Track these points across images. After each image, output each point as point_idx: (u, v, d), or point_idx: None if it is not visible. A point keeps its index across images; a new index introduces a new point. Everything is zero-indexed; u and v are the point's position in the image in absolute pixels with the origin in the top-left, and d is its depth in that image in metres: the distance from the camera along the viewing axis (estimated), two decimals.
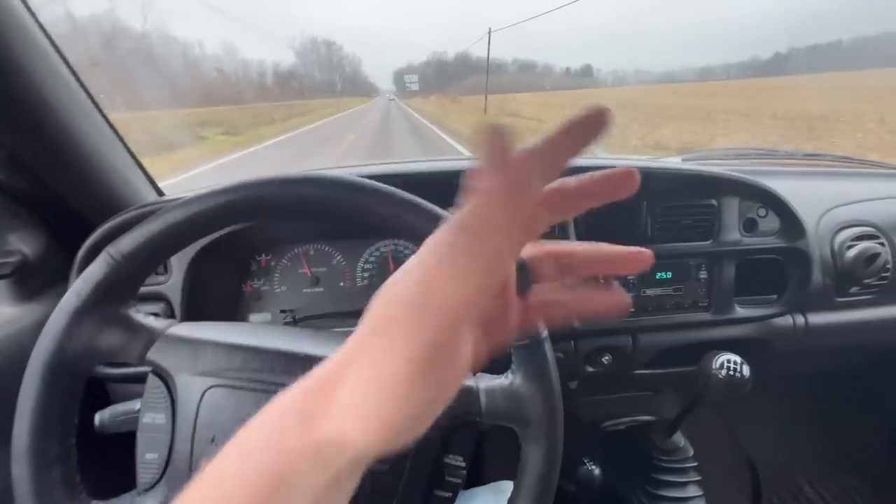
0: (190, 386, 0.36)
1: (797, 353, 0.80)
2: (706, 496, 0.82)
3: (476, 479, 0.64)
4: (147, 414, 0.38)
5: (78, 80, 0.61)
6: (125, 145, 0.69)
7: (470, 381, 0.36)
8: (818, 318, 0.77)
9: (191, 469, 0.35)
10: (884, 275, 0.75)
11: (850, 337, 0.79)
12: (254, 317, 0.70)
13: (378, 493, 0.36)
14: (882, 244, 0.75)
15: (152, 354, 0.35)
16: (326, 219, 0.49)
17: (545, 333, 0.33)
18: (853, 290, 0.76)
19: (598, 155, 1.02)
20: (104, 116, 0.65)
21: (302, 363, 0.36)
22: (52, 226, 0.64)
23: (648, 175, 0.68)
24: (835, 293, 0.76)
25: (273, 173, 0.33)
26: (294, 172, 0.33)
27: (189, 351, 0.36)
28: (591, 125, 0.19)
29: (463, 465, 0.38)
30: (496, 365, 0.66)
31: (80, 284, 0.31)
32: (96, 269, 0.31)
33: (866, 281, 0.74)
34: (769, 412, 1.22)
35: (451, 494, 0.38)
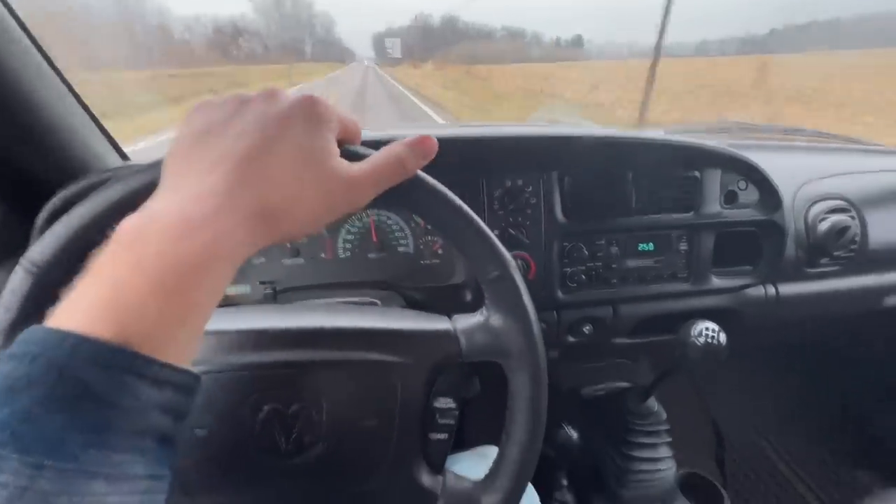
0: None
1: (767, 323, 0.83)
2: (675, 457, 0.86)
3: (460, 445, 0.65)
4: None
5: (26, 32, 0.55)
6: (82, 104, 0.64)
7: (446, 324, 0.37)
8: (789, 289, 0.80)
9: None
10: (852, 247, 0.78)
11: (818, 307, 0.83)
12: (232, 289, 0.68)
13: (371, 449, 0.36)
14: (852, 217, 0.78)
15: None
16: None
17: (512, 263, 0.34)
18: (823, 261, 0.79)
19: (585, 126, 1.01)
20: (57, 72, 0.60)
21: (281, 336, 0.35)
22: (6, 194, 0.59)
23: (634, 145, 0.67)
24: (805, 264, 0.79)
25: None
26: None
27: None
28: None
29: (454, 405, 0.39)
30: (472, 303, 0.66)
31: (7, 298, 0.29)
32: (17, 282, 0.29)
33: (836, 253, 0.77)
34: (736, 379, 1.28)
35: (446, 435, 0.39)
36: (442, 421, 0.39)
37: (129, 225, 0.22)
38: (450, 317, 0.38)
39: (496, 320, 0.35)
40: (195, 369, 0.33)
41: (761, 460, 1.19)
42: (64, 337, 0.18)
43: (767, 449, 1.21)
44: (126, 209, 0.29)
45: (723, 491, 0.87)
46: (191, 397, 0.22)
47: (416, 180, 0.31)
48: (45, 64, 0.58)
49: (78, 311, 0.20)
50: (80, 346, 0.18)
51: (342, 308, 0.45)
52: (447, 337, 0.36)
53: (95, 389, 0.18)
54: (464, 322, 0.37)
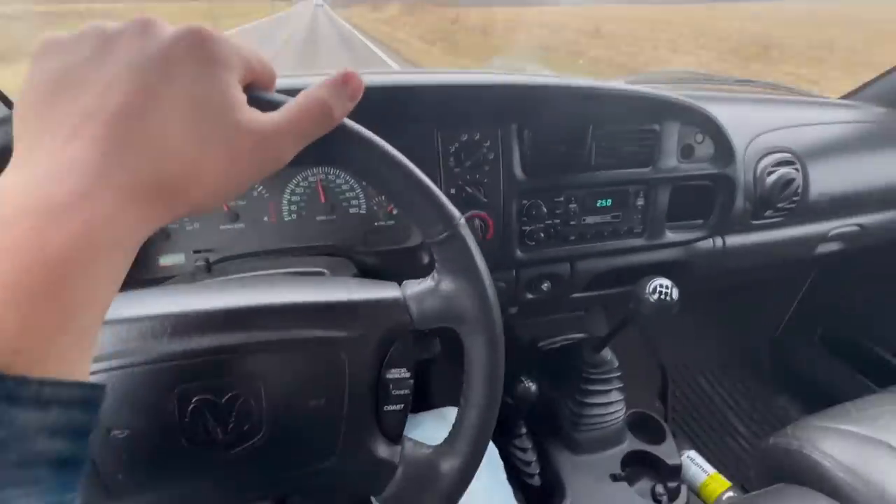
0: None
1: (713, 272, 0.87)
2: (625, 400, 0.92)
3: (422, 406, 0.65)
4: None
5: None
6: None
7: (395, 292, 0.34)
8: (734, 240, 0.83)
9: (95, 465, 0.30)
10: (794, 199, 0.81)
11: (759, 256, 0.87)
12: (164, 259, 0.61)
13: (321, 429, 0.34)
14: (797, 170, 0.81)
15: None
16: None
17: (462, 220, 0.31)
18: (767, 213, 0.82)
19: (546, 75, 0.96)
20: None
21: (206, 319, 0.31)
22: None
23: (596, 94, 0.64)
24: (752, 216, 0.82)
25: None
26: None
27: None
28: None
29: (408, 375, 0.37)
30: (428, 266, 0.64)
31: None
32: None
33: (780, 205, 0.80)
34: (679, 322, 1.37)
35: (402, 406, 0.37)
36: (396, 392, 0.37)
37: None
38: (400, 283, 0.36)
39: (447, 284, 0.32)
40: (103, 366, 0.29)
41: (700, 396, 1.31)
42: None
43: (704, 384, 1.33)
44: None
45: (665, 425, 0.94)
46: (91, 411, 0.18)
47: (345, 130, 0.26)
48: None
49: None
50: None
51: (279, 281, 0.41)
52: (396, 305, 0.34)
53: None
54: (413, 288, 0.34)
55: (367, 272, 0.62)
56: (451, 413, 0.62)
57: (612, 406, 0.90)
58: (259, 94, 0.24)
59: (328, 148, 0.26)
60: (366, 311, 0.34)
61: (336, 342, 0.33)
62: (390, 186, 0.29)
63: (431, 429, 0.60)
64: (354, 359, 0.33)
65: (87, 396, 0.18)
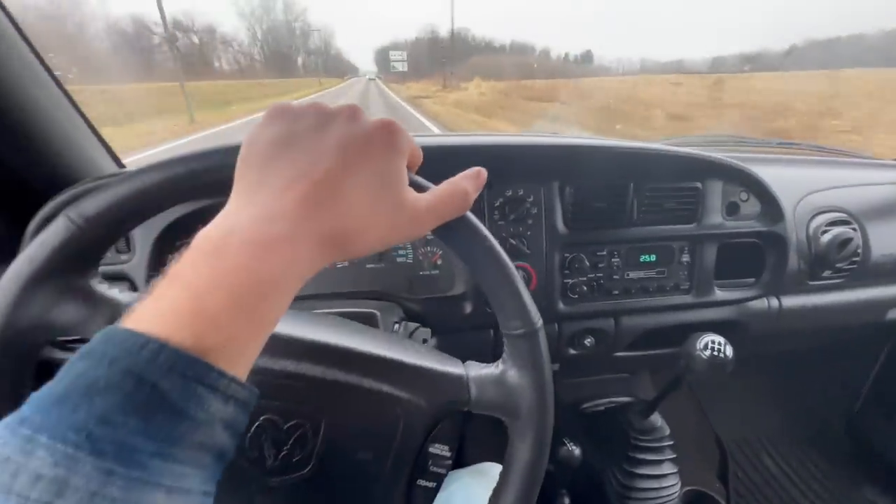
0: None
1: (770, 335, 0.83)
2: (679, 473, 0.84)
3: (459, 460, 0.63)
4: None
5: (24, 39, 0.55)
6: (80, 112, 0.64)
7: (459, 369, 0.35)
8: (792, 301, 0.79)
9: None
10: (854, 259, 0.78)
11: (820, 319, 0.82)
12: None
13: (360, 481, 0.35)
14: (854, 229, 0.78)
15: None
16: None
17: (540, 323, 0.32)
18: (826, 273, 0.78)
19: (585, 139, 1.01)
20: (55, 80, 0.59)
21: (292, 345, 0.33)
22: (1, 199, 0.58)
23: (636, 155, 0.67)
24: (808, 277, 0.78)
25: None
26: None
27: None
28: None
29: (448, 454, 0.37)
30: (471, 316, 0.63)
31: (35, 248, 0.27)
32: (54, 234, 0.27)
33: (838, 265, 0.77)
34: (736, 390, 1.27)
35: (434, 484, 0.37)
36: (433, 468, 0.37)
37: (207, 235, 0.22)
38: (464, 360, 0.37)
39: (512, 377, 0.33)
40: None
41: (765, 475, 1.17)
42: (144, 342, 0.18)
43: (770, 464, 1.19)
44: (186, 186, 0.29)
45: None
46: (247, 415, 0.22)
47: (464, 219, 0.30)
48: (42, 70, 0.57)
49: (158, 316, 0.19)
50: (159, 353, 0.18)
51: (356, 328, 0.43)
52: (459, 382, 0.34)
53: (171, 398, 0.18)
54: (477, 370, 0.35)
55: (413, 317, 0.63)
56: (490, 469, 0.60)
57: (665, 480, 0.83)
58: (414, 179, 0.29)
59: (448, 229, 0.29)
60: (430, 380, 0.35)
61: (397, 401, 0.34)
62: (486, 275, 0.32)
63: (467, 485, 0.57)
64: (408, 422, 0.34)
65: (250, 400, 0.22)
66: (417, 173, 0.31)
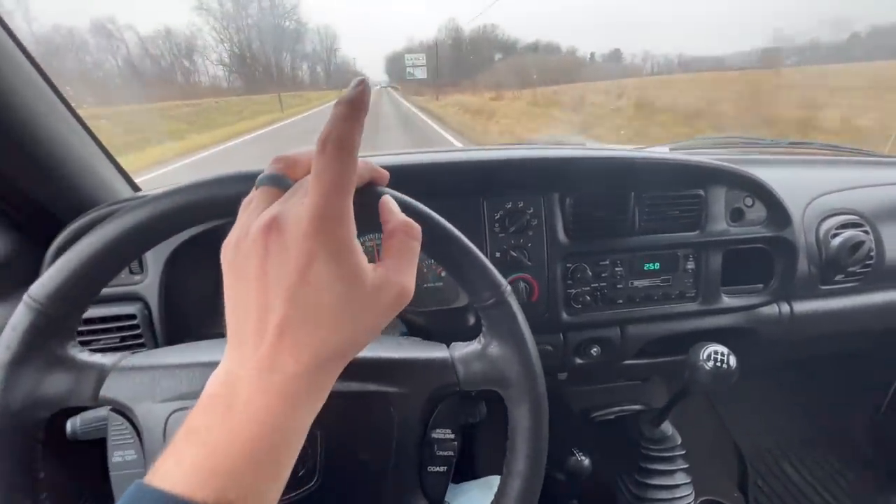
0: (152, 414, 0.34)
1: (782, 341, 0.81)
2: (693, 482, 0.83)
3: (468, 474, 0.63)
4: (116, 453, 0.36)
5: (37, 67, 0.58)
6: (94, 138, 0.67)
7: (443, 353, 0.36)
8: (803, 307, 0.77)
9: None
10: (868, 262, 0.76)
11: (834, 324, 0.80)
12: None
13: (367, 484, 0.36)
14: (866, 232, 0.76)
15: (106, 391, 0.33)
16: None
17: (508, 289, 0.33)
18: (838, 278, 0.76)
19: (587, 146, 1.01)
20: (70, 108, 0.62)
21: None
22: (22, 225, 0.61)
23: (636, 165, 0.67)
24: (819, 281, 0.77)
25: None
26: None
27: (146, 379, 0.34)
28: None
29: (452, 436, 0.38)
30: (475, 328, 0.64)
31: (8, 334, 0.29)
32: (19, 318, 0.29)
33: (851, 269, 0.75)
34: (754, 397, 1.24)
35: (445, 468, 0.38)
36: (440, 453, 0.38)
37: (215, 391, 0.23)
38: (448, 344, 0.38)
39: (493, 348, 0.34)
40: (183, 404, 0.33)
41: (786, 484, 1.14)
42: (171, 502, 0.20)
43: (791, 472, 1.16)
44: (127, 246, 0.30)
45: None
46: None
47: (408, 207, 0.30)
48: (56, 98, 0.60)
49: (181, 475, 0.21)
50: None
51: None
52: (444, 365, 0.35)
53: None
54: (461, 350, 0.36)
55: (416, 331, 0.64)
56: (495, 482, 0.60)
57: (678, 490, 0.81)
58: (401, 200, 0.30)
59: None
60: (415, 370, 0.36)
61: (386, 397, 0.35)
62: (444, 255, 0.33)
63: (475, 498, 0.58)
64: (403, 415, 0.35)
65: None
66: (416, 190, 0.32)
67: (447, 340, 0.38)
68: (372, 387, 0.35)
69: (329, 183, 0.23)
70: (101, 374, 0.33)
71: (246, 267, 0.24)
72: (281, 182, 0.27)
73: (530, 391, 0.33)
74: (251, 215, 0.25)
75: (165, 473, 0.21)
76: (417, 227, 0.28)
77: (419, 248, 0.28)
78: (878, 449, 1.14)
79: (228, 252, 0.25)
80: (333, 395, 0.34)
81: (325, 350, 0.24)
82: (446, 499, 0.40)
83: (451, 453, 0.38)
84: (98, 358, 0.34)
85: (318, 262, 0.23)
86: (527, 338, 0.33)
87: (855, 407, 1.17)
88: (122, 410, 0.35)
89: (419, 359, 0.36)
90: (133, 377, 0.34)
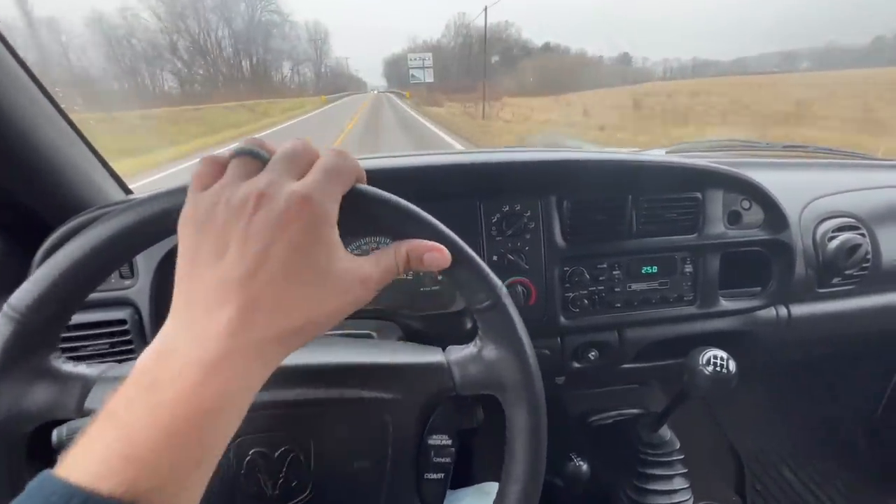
0: None
1: (780, 344, 0.81)
2: (692, 487, 0.82)
3: (464, 480, 0.63)
4: None
5: (29, 73, 0.57)
6: (86, 141, 0.66)
7: (439, 356, 0.35)
8: (800, 310, 0.77)
9: None
10: (864, 265, 0.76)
11: (832, 327, 0.80)
12: None
13: (363, 492, 0.35)
14: (862, 235, 0.76)
15: (91, 402, 0.32)
16: None
17: (503, 290, 0.32)
18: (835, 280, 0.76)
19: (585, 149, 1.01)
20: (60, 110, 0.61)
21: None
22: (9, 228, 0.60)
23: (633, 168, 0.67)
24: (817, 284, 0.76)
25: None
26: None
27: None
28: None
29: (449, 442, 0.37)
30: (471, 331, 0.63)
31: None
32: (0, 329, 0.28)
33: (848, 272, 0.75)
34: (750, 400, 1.24)
35: (442, 475, 0.37)
36: (437, 459, 0.37)
37: (144, 366, 0.21)
38: (444, 348, 0.37)
39: (489, 351, 0.33)
40: None
41: (784, 487, 1.14)
42: (70, 495, 0.18)
43: (789, 475, 1.16)
44: (108, 253, 0.28)
45: None
46: None
47: (399, 208, 0.29)
48: (46, 101, 0.59)
49: (90, 462, 0.19)
50: None
51: (330, 342, 0.43)
52: (440, 370, 0.35)
53: None
54: (457, 353, 0.35)
55: (412, 336, 0.64)
56: (493, 488, 0.59)
57: (676, 495, 0.81)
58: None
59: (386, 223, 0.29)
60: (410, 375, 0.35)
61: (381, 404, 0.34)
62: None
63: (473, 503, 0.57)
64: (398, 421, 0.34)
65: None
66: (411, 193, 0.31)
67: (444, 345, 0.38)
68: (365, 393, 0.34)
69: (332, 170, 0.25)
70: (86, 385, 0.32)
71: (223, 230, 0.23)
72: (259, 155, 0.26)
73: (528, 394, 0.32)
74: (230, 184, 0.24)
75: (73, 462, 0.19)
76: (436, 252, 0.28)
77: (402, 267, 0.28)
78: (874, 451, 1.14)
79: (199, 214, 0.24)
80: (325, 403, 0.34)
81: (285, 323, 0.23)
82: None
83: (447, 460, 0.37)
84: (83, 369, 0.33)
85: (302, 234, 0.23)
86: (524, 340, 0.32)
87: (851, 409, 1.17)
88: None
89: (414, 363, 0.35)
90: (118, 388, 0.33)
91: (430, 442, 0.37)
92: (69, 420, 0.39)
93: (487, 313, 0.32)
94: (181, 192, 0.27)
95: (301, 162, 0.25)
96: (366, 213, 0.28)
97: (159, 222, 0.28)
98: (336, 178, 0.25)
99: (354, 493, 0.35)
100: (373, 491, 0.35)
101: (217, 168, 0.25)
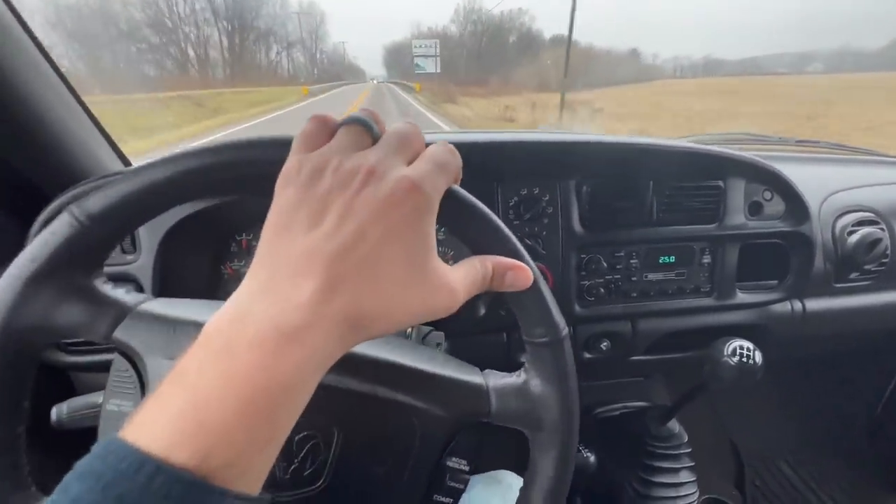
0: (163, 371, 0.31)
1: (791, 339, 0.80)
2: (697, 482, 0.82)
3: (476, 468, 0.61)
4: (112, 400, 0.33)
5: (31, 37, 0.54)
6: (87, 110, 0.62)
7: (478, 378, 0.33)
8: (816, 304, 0.76)
9: None
10: (883, 261, 0.75)
11: (845, 323, 0.79)
12: None
13: (375, 496, 0.33)
14: (882, 230, 0.75)
15: (120, 333, 0.30)
16: None
17: (565, 332, 0.30)
18: (852, 275, 0.75)
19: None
20: (62, 77, 0.58)
21: None
22: (5, 198, 0.57)
23: (656, 153, 0.65)
24: (834, 279, 0.75)
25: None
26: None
27: (163, 331, 0.31)
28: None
29: (466, 468, 0.36)
30: (484, 319, 0.61)
31: (38, 247, 0.26)
32: (57, 231, 0.26)
33: (867, 267, 0.74)
34: (751, 396, 1.24)
35: (451, 500, 0.36)
36: (451, 483, 0.36)
37: (216, 328, 0.20)
38: (477, 366, 0.35)
39: (535, 387, 0.31)
40: None
41: (783, 484, 1.14)
42: (140, 464, 0.16)
43: (788, 472, 1.16)
44: (185, 184, 0.27)
45: None
46: None
47: (489, 221, 0.28)
48: (48, 68, 0.56)
49: (161, 428, 0.18)
50: (154, 477, 0.16)
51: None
52: (478, 391, 0.32)
53: None
54: (497, 379, 0.33)
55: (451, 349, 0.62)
56: (504, 477, 0.58)
57: (682, 488, 0.80)
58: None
59: (472, 233, 0.28)
60: (448, 389, 0.33)
61: (414, 411, 0.32)
62: None
63: (484, 492, 0.55)
64: (426, 433, 0.33)
65: None
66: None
67: (454, 332, 0.36)
68: (401, 397, 0.32)
69: (443, 164, 0.24)
70: (120, 313, 0.30)
71: (325, 197, 0.21)
72: (372, 128, 0.24)
73: (562, 440, 0.30)
74: (340, 152, 0.23)
75: (143, 422, 0.18)
76: (520, 272, 0.27)
77: (486, 283, 0.26)
78: (874, 449, 1.14)
79: (303, 175, 0.22)
80: (356, 395, 0.31)
81: (369, 305, 0.21)
82: None
83: (460, 486, 0.36)
84: (120, 294, 0.30)
85: (403, 221, 0.22)
86: (572, 386, 0.31)
87: (852, 406, 1.17)
88: (131, 357, 0.32)
89: (454, 379, 0.33)
90: (150, 325, 0.31)
91: (448, 464, 0.35)
92: (92, 346, 0.35)
93: (543, 349, 0.30)
94: (283, 144, 0.25)
95: (412, 146, 0.24)
96: (455, 216, 0.27)
97: (250, 169, 0.26)
98: (444, 171, 0.24)
99: (364, 496, 0.33)
100: (382, 499, 0.33)
101: (327, 131, 0.24)
